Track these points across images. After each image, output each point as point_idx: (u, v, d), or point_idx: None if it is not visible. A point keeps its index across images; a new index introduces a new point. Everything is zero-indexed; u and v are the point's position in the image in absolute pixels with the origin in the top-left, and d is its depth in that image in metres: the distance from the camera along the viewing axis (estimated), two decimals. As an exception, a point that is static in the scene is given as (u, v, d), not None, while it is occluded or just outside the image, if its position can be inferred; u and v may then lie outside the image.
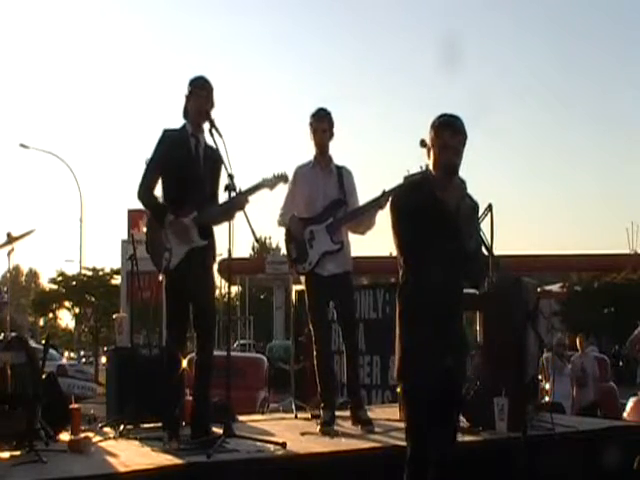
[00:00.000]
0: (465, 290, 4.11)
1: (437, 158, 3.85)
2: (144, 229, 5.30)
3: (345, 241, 5.86)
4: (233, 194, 4.97)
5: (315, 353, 5.86)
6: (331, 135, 5.90)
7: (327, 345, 5.97)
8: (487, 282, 4.17)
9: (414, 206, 3.79)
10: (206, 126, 5.11)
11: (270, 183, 5.19)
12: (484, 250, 3.93)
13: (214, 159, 5.13)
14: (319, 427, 5.65)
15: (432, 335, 3.71)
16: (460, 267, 3.79)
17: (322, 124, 5.83)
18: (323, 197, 5.85)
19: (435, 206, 3.78)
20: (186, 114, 5.23)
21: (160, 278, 5.17)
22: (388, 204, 4.11)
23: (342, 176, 5.91)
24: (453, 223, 3.74)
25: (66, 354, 31.26)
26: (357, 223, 5.81)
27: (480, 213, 4.00)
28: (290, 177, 5.70)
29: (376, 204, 5.52)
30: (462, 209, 3.75)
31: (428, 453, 3.76)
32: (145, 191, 5.16)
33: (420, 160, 4.05)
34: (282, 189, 5.32)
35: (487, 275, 4.03)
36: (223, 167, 5.02)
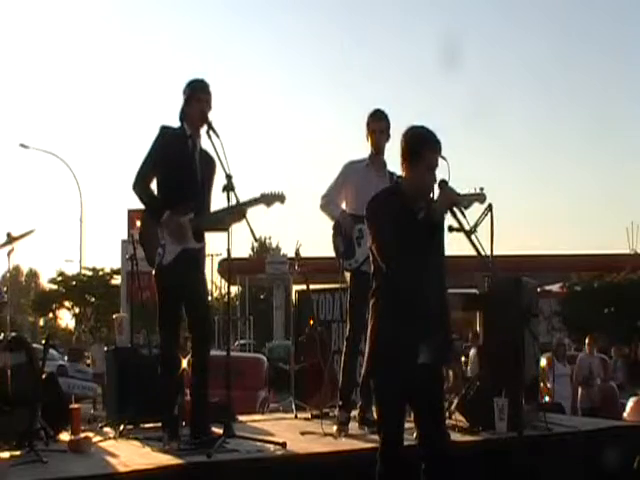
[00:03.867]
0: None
1: (418, 179, 3.85)
2: (139, 223, 5.27)
3: None
4: (231, 195, 4.96)
5: (345, 350, 5.85)
6: (388, 137, 5.90)
7: (358, 345, 5.88)
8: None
9: (387, 211, 3.84)
10: (203, 128, 5.10)
11: (268, 200, 5.14)
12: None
13: (209, 164, 5.14)
14: (336, 427, 5.62)
15: (407, 333, 3.75)
16: (437, 266, 3.82)
17: (380, 124, 5.84)
18: None
19: (406, 217, 3.81)
20: (183, 116, 5.20)
21: (153, 273, 5.13)
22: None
23: (394, 180, 5.90)
24: (424, 234, 3.76)
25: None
26: None
27: (480, 213, 4.01)
28: (340, 168, 5.89)
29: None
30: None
31: (399, 448, 3.85)
32: (141, 184, 5.13)
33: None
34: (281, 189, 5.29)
35: None
36: (218, 171, 5.03)
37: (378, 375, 3.90)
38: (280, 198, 5.20)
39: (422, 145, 3.83)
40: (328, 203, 5.92)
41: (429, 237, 3.76)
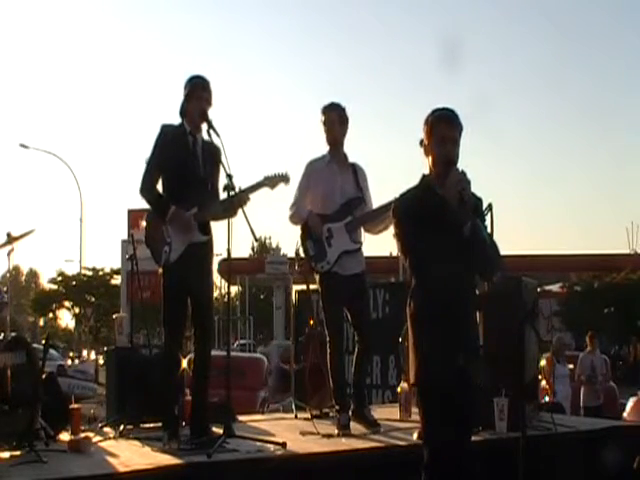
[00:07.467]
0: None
1: (435, 152, 3.79)
2: (143, 224, 5.26)
3: (362, 241, 5.80)
4: (232, 194, 4.96)
5: (329, 354, 5.75)
6: (343, 128, 5.78)
7: (341, 347, 5.85)
8: (495, 275, 4.09)
9: (416, 209, 3.75)
10: (204, 126, 5.11)
11: (271, 182, 5.17)
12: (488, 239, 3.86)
13: (213, 155, 5.12)
14: (337, 430, 5.52)
15: (445, 335, 3.67)
16: (467, 264, 3.77)
17: (330, 115, 5.73)
18: (341, 194, 5.76)
19: (437, 205, 3.73)
20: (184, 113, 5.20)
21: (160, 272, 5.12)
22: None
23: (357, 173, 5.83)
24: (455, 220, 3.70)
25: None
26: (375, 224, 5.70)
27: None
28: (302, 171, 5.73)
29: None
30: (465, 197, 3.69)
31: (456, 455, 3.68)
32: (147, 187, 5.13)
33: (420, 159, 4.02)
34: (283, 189, 5.29)
35: (496, 264, 3.92)
36: (222, 161, 5.01)
37: (427, 381, 3.74)
38: (284, 179, 5.20)
39: (433, 119, 3.81)
40: (295, 212, 5.78)
41: (456, 223, 3.69)
